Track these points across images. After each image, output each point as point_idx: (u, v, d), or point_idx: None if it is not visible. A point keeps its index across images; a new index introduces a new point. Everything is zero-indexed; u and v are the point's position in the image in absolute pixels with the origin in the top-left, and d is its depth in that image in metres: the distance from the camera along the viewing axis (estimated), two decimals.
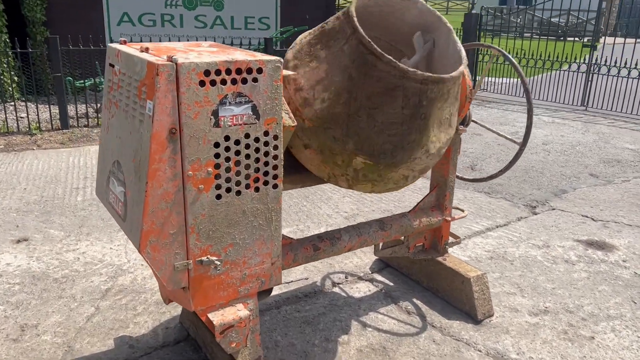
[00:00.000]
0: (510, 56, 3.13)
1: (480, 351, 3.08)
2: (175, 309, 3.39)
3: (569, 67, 9.61)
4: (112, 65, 2.45)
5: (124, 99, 2.30)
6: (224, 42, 9.59)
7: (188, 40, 8.94)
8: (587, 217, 4.99)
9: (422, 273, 3.71)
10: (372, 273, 3.92)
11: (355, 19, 2.44)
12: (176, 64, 2.02)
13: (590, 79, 9.41)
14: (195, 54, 2.21)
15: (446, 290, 3.54)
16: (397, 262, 3.94)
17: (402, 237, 3.44)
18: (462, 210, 3.59)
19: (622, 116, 9.24)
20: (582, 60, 9.71)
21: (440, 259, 3.56)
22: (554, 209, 5.16)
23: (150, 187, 2.09)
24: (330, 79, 2.48)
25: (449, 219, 3.48)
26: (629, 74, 8.93)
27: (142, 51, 2.27)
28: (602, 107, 9.53)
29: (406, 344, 3.13)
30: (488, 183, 5.73)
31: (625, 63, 9.06)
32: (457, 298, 3.46)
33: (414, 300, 3.57)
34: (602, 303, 3.58)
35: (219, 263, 2.30)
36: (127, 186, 2.27)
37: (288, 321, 3.31)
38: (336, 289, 3.69)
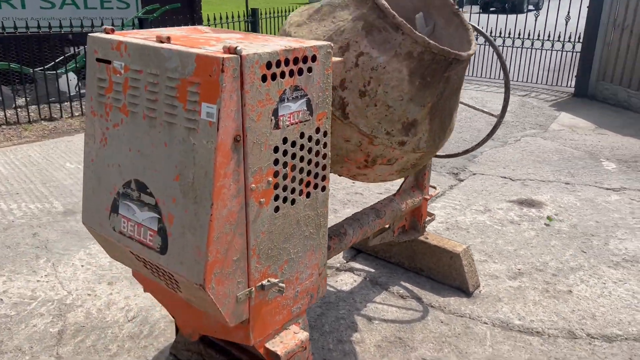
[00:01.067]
0: (482, 30, 3.13)
1: (486, 323, 3.12)
2: (158, 339, 2.92)
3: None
4: (106, 62, 1.95)
5: (143, 103, 1.84)
6: (81, 24, 8.47)
7: (39, 25, 7.73)
8: (505, 177, 5.33)
9: (403, 255, 3.65)
10: (347, 262, 3.77)
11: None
12: (241, 56, 1.65)
13: None
14: (247, 42, 1.83)
15: (432, 268, 3.52)
16: (370, 247, 3.83)
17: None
18: (435, 187, 3.58)
19: (491, 81, 10.01)
20: None
21: (422, 238, 3.52)
22: (474, 174, 5.43)
23: (215, 208, 1.71)
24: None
25: (428, 197, 3.45)
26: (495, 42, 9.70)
27: (162, 42, 1.82)
28: (473, 74, 10.22)
29: (418, 330, 3.06)
30: None
31: (491, 32, 9.83)
32: (445, 274, 3.47)
33: (402, 283, 3.51)
34: (560, 257, 3.85)
35: (283, 285, 1.98)
36: (166, 210, 1.83)
37: None
38: None
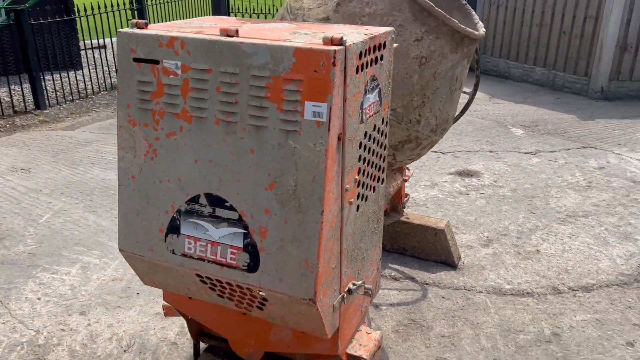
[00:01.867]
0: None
1: (482, 292, 3.27)
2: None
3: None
4: (151, 62, 1.68)
5: (215, 106, 1.62)
6: None
7: None
8: (437, 152, 5.57)
9: (385, 237, 3.67)
10: None
11: None
12: (346, 47, 1.51)
13: None
14: (335, 32, 1.67)
15: (417, 247, 3.59)
16: None
17: None
18: (409, 169, 3.63)
19: None
20: None
21: (404, 219, 3.57)
22: None
23: (325, 215, 1.57)
24: None
25: (406, 178, 3.49)
26: None
27: (230, 35, 1.61)
28: None
29: (425, 309, 3.11)
30: None
31: None
32: (431, 251, 3.55)
33: (390, 265, 3.53)
34: (516, 220, 4.13)
35: (370, 287, 1.89)
36: (255, 224, 1.64)
37: None
38: None
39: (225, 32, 1.62)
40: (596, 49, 7.37)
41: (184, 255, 1.78)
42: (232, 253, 1.71)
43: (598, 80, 7.40)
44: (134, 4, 8.01)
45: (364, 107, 1.71)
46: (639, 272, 3.49)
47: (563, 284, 3.36)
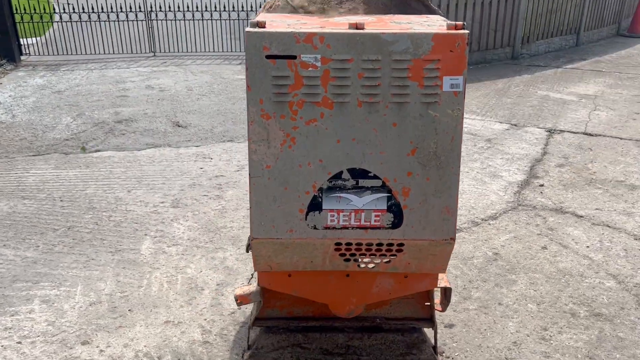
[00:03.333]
0: None
1: None
2: None
3: (127, 16, 9.70)
4: (288, 57, 1.85)
5: (358, 90, 1.88)
6: None
7: None
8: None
9: None
10: None
11: None
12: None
13: (150, 25, 9.86)
14: (415, 22, 2.03)
15: None
16: None
17: None
18: None
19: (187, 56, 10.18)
20: (138, 9, 9.90)
21: None
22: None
23: (459, 167, 1.96)
24: None
25: None
26: (184, 16, 9.79)
27: (359, 28, 1.87)
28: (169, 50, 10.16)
29: None
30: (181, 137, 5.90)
31: (178, 7, 9.88)
32: None
33: None
34: None
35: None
36: (399, 186, 1.95)
37: None
38: None
39: (355, 26, 1.87)
40: None
41: (326, 228, 1.99)
42: (376, 216, 1.98)
43: None
44: None
45: None
46: (516, 198, 4.51)
47: (477, 217, 4.19)
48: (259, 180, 1.94)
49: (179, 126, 6.15)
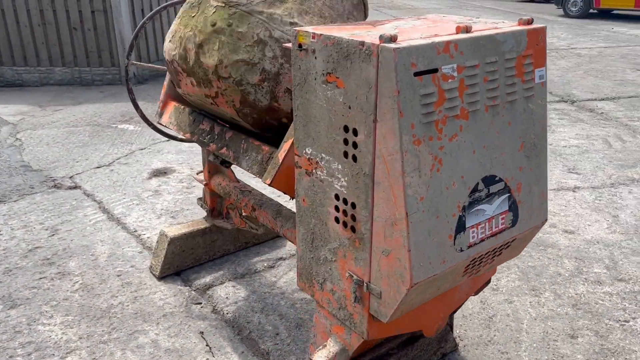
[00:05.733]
0: None
1: None
2: None
3: None
4: (430, 71, 1.64)
5: (484, 95, 1.81)
6: None
7: None
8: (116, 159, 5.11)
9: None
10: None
11: None
12: None
13: None
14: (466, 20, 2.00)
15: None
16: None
17: None
18: None
19: None
20: None
21: None
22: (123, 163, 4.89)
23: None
24: None
25: None
26: None
27: (468, 31, 1.79)
28: None
29: None
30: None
31: None
32: None
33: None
34: None
35: None
36: (515, 183, 1.96)
37: None
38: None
39: (466, 29, 1.76)
40: (116, 40, 7.85)
41: (470, 246, 1.85)
42: (502, 219, 1.94)
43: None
44: None
45: None
46: None
47: None
48: (415, 216, 1.67)
49: None
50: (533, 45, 1.91)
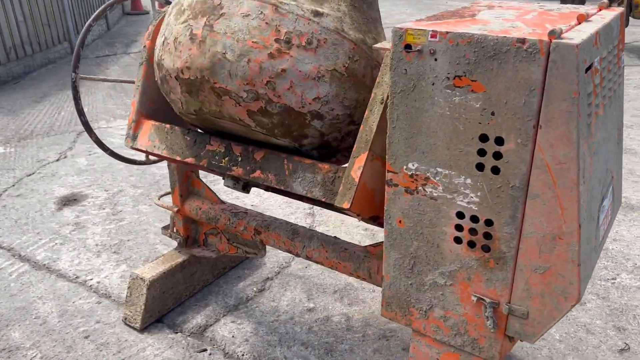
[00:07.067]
0: None
1: None
2: None
3: None
4: (590, 67, 1.50)
5: (607, 87, 1.71)
6: None
7: None
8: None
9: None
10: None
11: None
12: None
13: None
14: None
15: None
16: None
17: None
18: None
19: None
20: None
21: None
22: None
23: None
24: None
25: None
26: None
27: (587, 20, 1.68)
28: None
29: None
30: None
31: None
32: None
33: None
34: None
35: None
36: (615, 174, 1.92)
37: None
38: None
39: (585, 18, 1.64)
40: None
41: (599, 244, 1.77)
42: (609, 209, 1.89)
43: None
44: None
45: None
46: None
47: None
48: (583, 226, 1.53)
49: None
50: (622, 29, 1.86)
